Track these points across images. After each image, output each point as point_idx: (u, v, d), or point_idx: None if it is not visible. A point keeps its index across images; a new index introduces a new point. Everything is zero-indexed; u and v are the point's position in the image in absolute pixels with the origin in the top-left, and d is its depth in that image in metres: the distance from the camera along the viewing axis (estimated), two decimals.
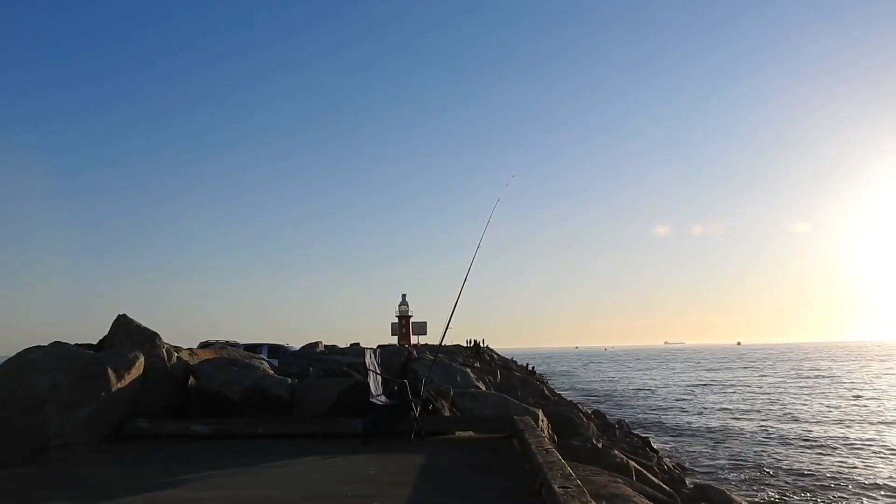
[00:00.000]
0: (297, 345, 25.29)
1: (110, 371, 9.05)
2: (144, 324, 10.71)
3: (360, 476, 6.48)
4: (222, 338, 23.57)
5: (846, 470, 17.00)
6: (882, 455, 19.03)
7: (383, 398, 9.33)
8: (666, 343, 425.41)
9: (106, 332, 10.86)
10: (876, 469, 17.09)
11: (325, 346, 26.42)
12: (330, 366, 13.03)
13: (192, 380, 10.49)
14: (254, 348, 21.92)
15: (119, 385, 9.11)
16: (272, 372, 11.34)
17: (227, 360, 11.72)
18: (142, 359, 9.67)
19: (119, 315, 10.77)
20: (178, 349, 11.50)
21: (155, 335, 10.50)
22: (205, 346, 18.88)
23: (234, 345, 21.71)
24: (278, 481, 6.38)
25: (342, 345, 32.64)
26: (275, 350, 23.19)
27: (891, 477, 16.05)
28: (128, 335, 10.45)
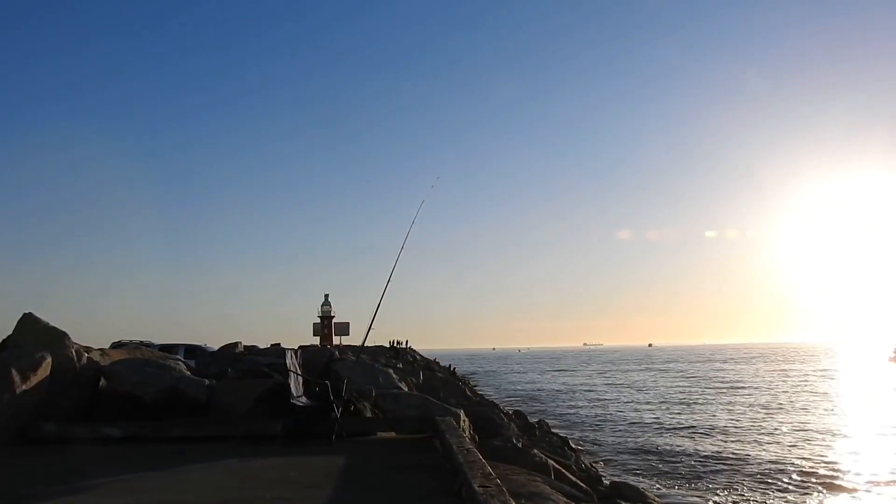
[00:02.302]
0: (215, 345, 24.73)
1: (14, 372, 8.62)
2: (52, 323, 10.29)
3: (280, 479, 6.40)
4: (136, 338, 22.87)
5: (752, 470, 17.88)
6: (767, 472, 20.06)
7: (304, 399, 9.24)
8: (585, 344, 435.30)
9: (10, 332, 10.38)
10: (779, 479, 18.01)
11: (245, 346, 25.89)
12: (249, 367, 12.83)
13: (103, 381, 10.11)
14: (170, 349, 21.30)
15: (24, 387, 8.69)
16: (189, 373, 11.07)
17: (140, 360, 11.40)
18: (49, 359, 9.25)
19: (25, 313, 10.32)
20: (88, 349, 11.09)
21: (64, 335, 10.08)
22: (117, 346, 18.27)
23: (149, 345, 21.11)
24: (193, 485, 6.23)
25: (262, 345, 32.01)
26: (192, 351, 22.59)
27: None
28: (34, 334, 10.00)
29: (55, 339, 9.92)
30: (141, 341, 22.01)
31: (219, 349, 23.44)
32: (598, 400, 39.87)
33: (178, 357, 16.57)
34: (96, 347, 12.23)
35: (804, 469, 17.20)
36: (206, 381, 10.28)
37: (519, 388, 53.46)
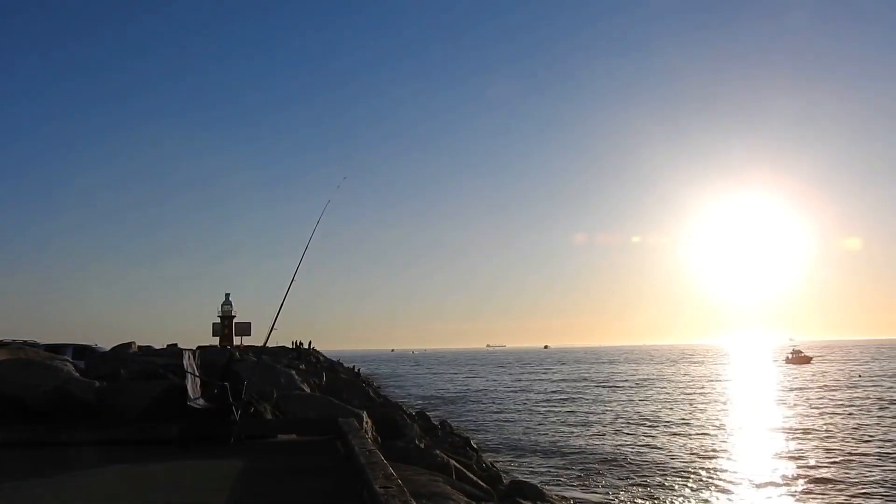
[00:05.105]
0: (107, 345, 23.71)
1: None
2: None
3: (174, 484, 6.23)
4: (19, 337, 21.68)
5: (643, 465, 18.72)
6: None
7: (202, 401, 9.01)
8: (488, 346, 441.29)
9: None
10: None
11: (140, 347, 24.93)
12: (144, 368, 12.43)
13: None
14: (57, 349, 20.26)
15: None
16: (78, 374, 10.60)
17: (24, 361, 10.86)
18: None
19: None
20: None
21: None
22: None
23: (34, 345, 20.05)
24: (83, 492, 5.97)
25: (158, 346, 31.00)
26: (81, 351, 21.55)
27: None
28: None
29: None
30: (24, 341, 20.91)
31: (111, 349, 22.46)
32: (498, 400, 40.74)
33: (66, 357, 15.81)
34: None
35: (689, 470, 18.13)
36: (97, 383, 9.89)
37: (423, 389, 53.84)
